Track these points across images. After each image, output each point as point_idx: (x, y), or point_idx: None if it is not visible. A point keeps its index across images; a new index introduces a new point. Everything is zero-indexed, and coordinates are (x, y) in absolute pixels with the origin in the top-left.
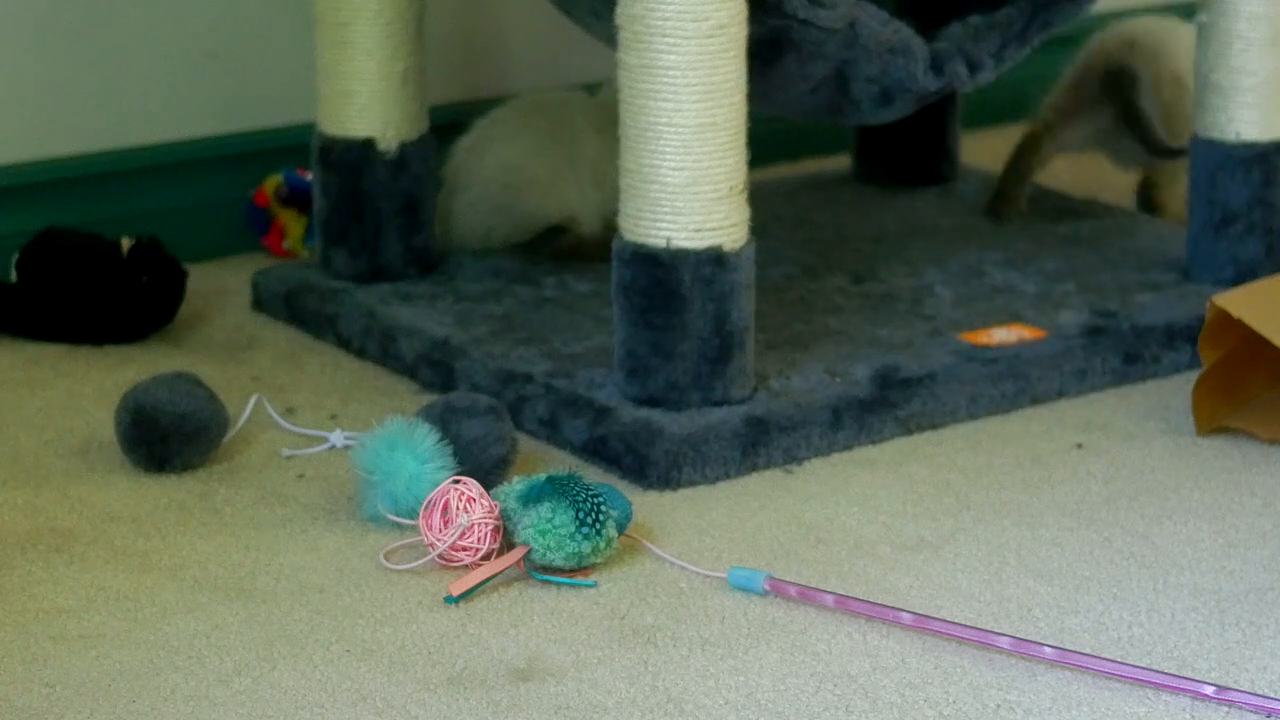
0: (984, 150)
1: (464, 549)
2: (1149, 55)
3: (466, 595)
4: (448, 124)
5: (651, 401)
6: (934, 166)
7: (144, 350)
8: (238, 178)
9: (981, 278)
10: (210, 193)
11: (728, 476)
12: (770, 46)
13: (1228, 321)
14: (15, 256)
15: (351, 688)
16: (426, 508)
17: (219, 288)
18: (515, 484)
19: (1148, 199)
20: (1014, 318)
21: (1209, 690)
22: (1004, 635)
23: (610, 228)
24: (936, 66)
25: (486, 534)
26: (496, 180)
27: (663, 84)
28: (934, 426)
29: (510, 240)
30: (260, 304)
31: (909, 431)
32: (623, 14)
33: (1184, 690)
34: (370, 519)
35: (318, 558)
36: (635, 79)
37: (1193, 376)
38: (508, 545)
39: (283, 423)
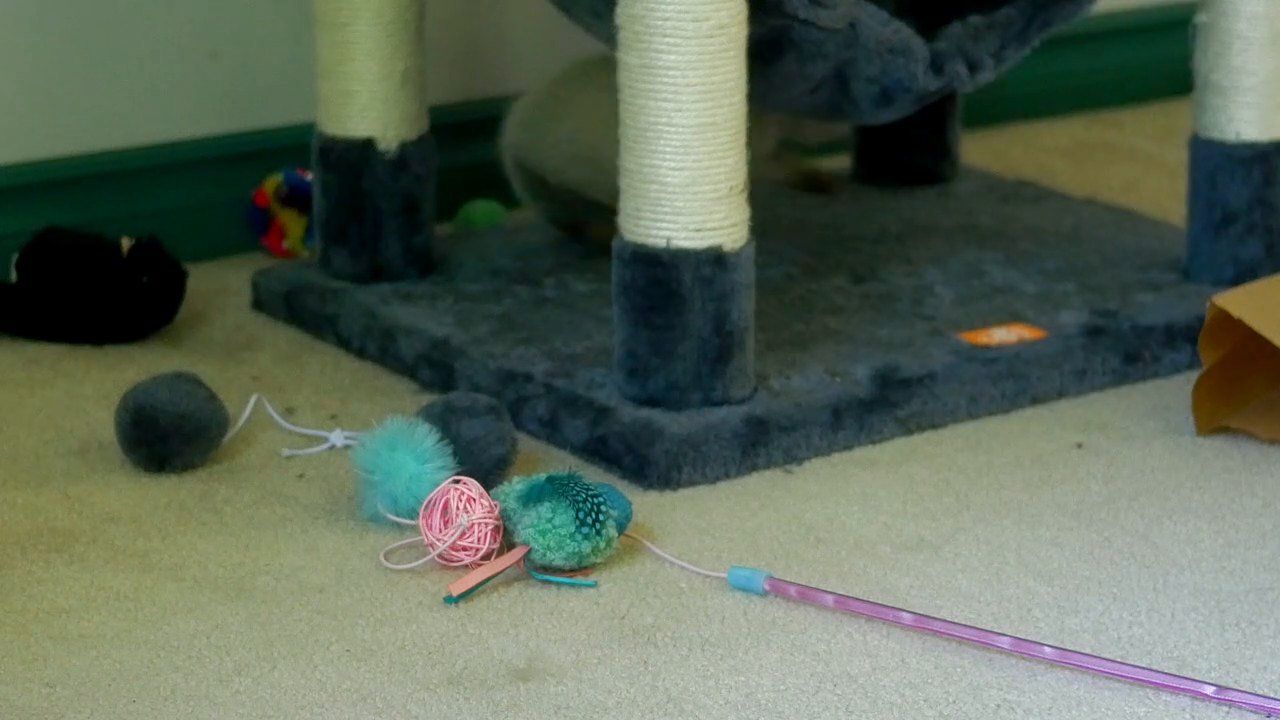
0: (984, 150)
1: (464, 549)
2: None
3: (466, 595)
4: (448, 124)
5: (651, 401)
6: (934, 166)
7: (144, 350)
8: (238, 178)
9: (981, 278)
10: (210, 193)
11: (728, 476)
12: (770, 46)
13: (1228, 321)
14: (15, 256)
15: (351, 688)
16: (426, 508)
17: (219, 288)
18: (515, 484)
19: None
20: (1014, 318)
21: (1209, 690)
22: (1004, 635)
23: None
24: (936, 66)
25: (486, 534)
26: (587, 130)
27: (663, 84)
28: (934, 426)
29: (575, 188)
30: (260, 304)
31: (909, 431)
32: (623, 14)
33: (1184, 690)
34: (370, 519)
35: (318, 558)
36: (635, 79)
37: (1193, 376)
38: (508, 545)
39: (283, 423)
